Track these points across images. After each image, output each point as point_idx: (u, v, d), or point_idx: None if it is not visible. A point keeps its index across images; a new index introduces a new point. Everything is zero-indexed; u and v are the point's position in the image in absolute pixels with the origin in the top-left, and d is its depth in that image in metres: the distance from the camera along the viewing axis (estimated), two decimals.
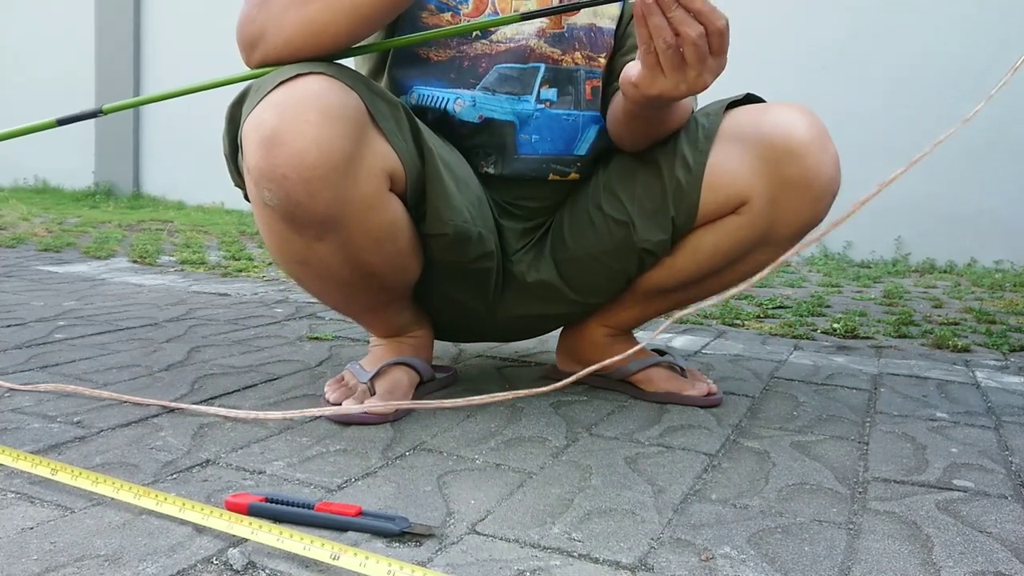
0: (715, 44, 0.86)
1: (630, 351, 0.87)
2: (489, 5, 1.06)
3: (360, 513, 0.71)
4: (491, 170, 1.10)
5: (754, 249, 1.09)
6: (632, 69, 0.91)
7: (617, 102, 1.05)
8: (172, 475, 0.82)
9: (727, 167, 1.05)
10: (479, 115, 1.07)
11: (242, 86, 0.94)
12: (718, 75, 0.90)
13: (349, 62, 1.02)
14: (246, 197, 0.97)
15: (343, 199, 0.89)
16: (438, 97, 1.07)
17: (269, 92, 0.85)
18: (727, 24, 0.85)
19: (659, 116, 1.01)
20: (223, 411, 1.01)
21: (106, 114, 0.95)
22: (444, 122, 1.08)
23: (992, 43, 3.62)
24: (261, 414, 0.98)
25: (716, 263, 1.10)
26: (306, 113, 0.83)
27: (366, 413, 1.01)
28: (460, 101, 1.06)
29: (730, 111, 1.08)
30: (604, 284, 1.15)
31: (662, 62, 0.87)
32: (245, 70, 0.95)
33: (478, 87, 1.07)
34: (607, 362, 0.83)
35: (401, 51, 1.07)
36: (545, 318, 1.22)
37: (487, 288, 1.12)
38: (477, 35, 1.06)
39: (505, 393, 0.82)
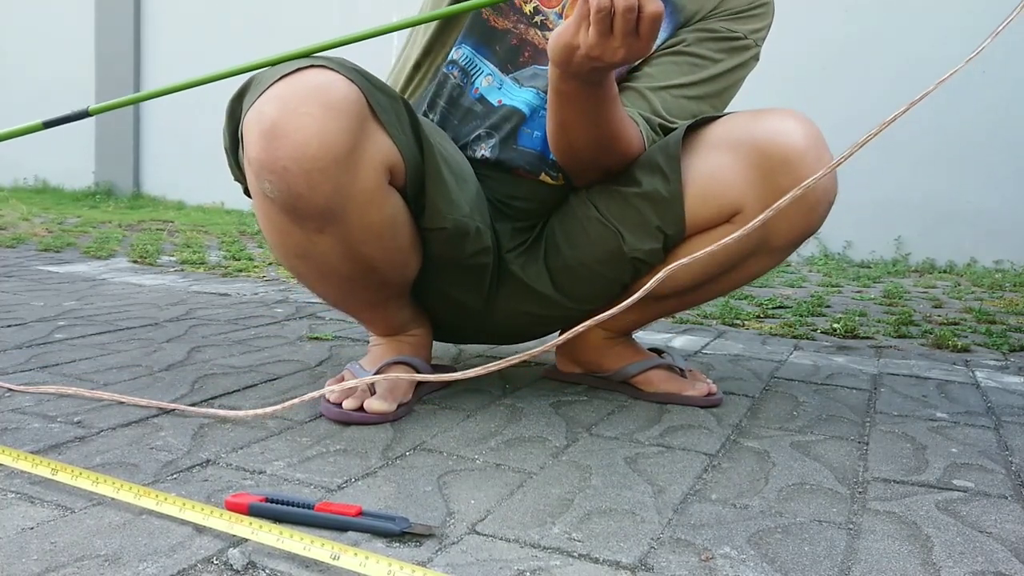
0: (643, 27, 0.86)
1: (600, 320, 0.86)
2: None
3: (360, 513, 0.71)
4: (487, 153, 1.11)
5: (749, 257, 1.09)
6: (564, 23, 0.91)
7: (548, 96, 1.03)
8: (172, 475, 0.82)
9: (720, 176, 1.03)
10: (499, 99, 1.10)
11: (240, 81, 0.94)
12: (636, 59, 0.90)
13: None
14: (246, 192, 0.97)
15: (343, 192, 0.89)
16: (475, 64, 1.09)
17: (270, 85, 0.85)
18: (660, 13, 0.85)
19: (585, 100, 0.97)
20: (221, 412, 1.01)
21: (92, 115, 0.95)
22: (461, 93, 1.10)
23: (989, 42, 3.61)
24: (260, 411, 0.98)
25: (711, 272, 1.10)
26: (307, 106, 0.84)
27: (364, 412, 1.01)
28: (489, 78, 1.08)
29: (725, 116, 1.07)
30: (599, 292, 1.14)
31: (591, 20, 0.86)
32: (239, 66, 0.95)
33: (510, 75, 1.10)
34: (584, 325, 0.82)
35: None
36: (542, 319, 1.22)
37: (483, 284, 1.12)
38: (536, 22, 1.08)
39: (501, 362, 0.82)
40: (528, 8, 1.08)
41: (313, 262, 0.98)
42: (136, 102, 0.96)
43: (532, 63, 1.10)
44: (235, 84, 0.95)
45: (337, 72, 0.87)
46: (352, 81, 0.88)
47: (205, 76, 0.94)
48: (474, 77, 1.11)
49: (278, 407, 0.95)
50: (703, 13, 1.13)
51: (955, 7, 3.68)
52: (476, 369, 0.84)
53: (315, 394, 0.93)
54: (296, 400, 0.95)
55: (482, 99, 1.11)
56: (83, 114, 0.95)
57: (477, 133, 1.11)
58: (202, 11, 5.66)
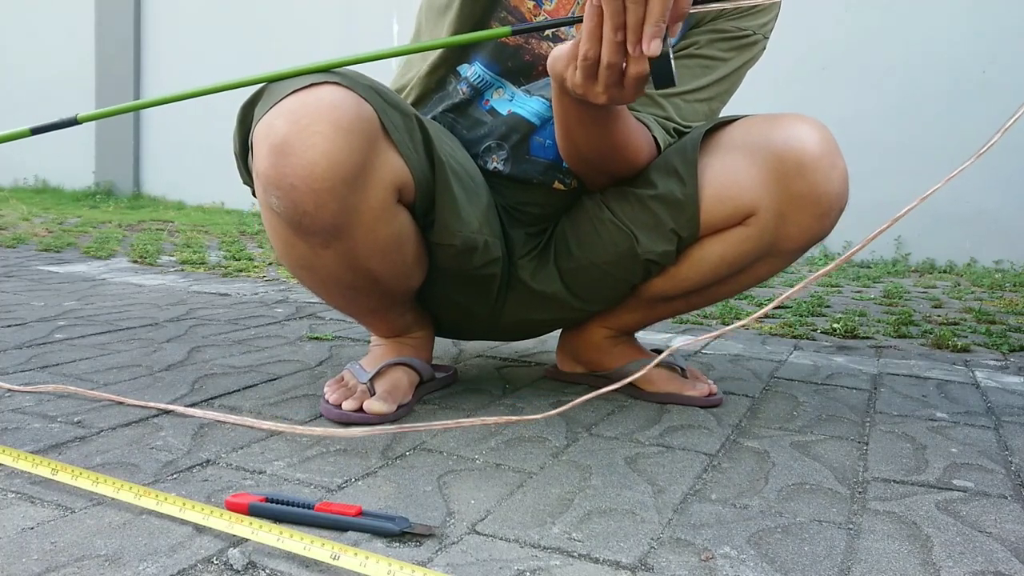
0: (627, 83, 0.86)
1: (651, 364, 0.86)
2: (575, 6, 1.06)
3: (360, 513, 0.71)
4: (500, 166, 1.11)
5: (759, 260, 1.09)
6: (564, 45, 0.90)
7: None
8: (172, 475, 0.82)
9: (735, 179, 1.03)
10: (508, 109, 1.09)
11: (241, 91, 0.94)
12: (620, 104, 0.90)
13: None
14: (255, 195, 0.97)
15: (351, 210, 0.89)
16: (486, 81, 1.09)
17: (282, 99, 0.85)
18: (644, 74, 0.85)
19: (586, 111, 0.97)
20: (218, 415, 1.01)
21: (81, 123, 0.94)
22: (471, 103, 1.10)
23: (990, 41, 3.62)
24: (265, 423, 0.98)
25: (721, 273, 1.10)
26: (318, 124, 0.83)
27: (363, 413, 1.01)
28: (501, 91, 1.08)
29: (740, 119, 1.07)
30: (608, 293, 1.15)
31: (578, 65, 0.86)
32: (240, 76, 0.94)
33: (522, 87, 1.09)
34: (636, 375, 0.82)
35: (488, 17, 1.07)
36: (547, 322, 1.22)
37: (490, 293, 1.12)
38: (547, 35, 1.08)
39: (499, 418, 0.82)
40: (538, 21, 1.08)
41: (317, 273, 0.98)
42: (126, 111, 0.95)
43: (545, 75, 1.09)
44: (232, 91, 0.94)
45: (350, 90, 0.86)
46: (365, 99, 0.87)
47: (198, 89, 0.93)
48: (484, 91, 1.10)
49: (282, 426, 0.95)
50: (713, 13, 1.13)
51: (956, 5, 3.68)
52: (472, 420, 0.83)
53: (358, 432, 0.92)
54: (338, 432, 0.95)
55: (492, 110, 1.10)
56: (71, 122, 0.94)
57: (487, 144, 1.10)
58: (202, 11, 5.66)
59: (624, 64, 0.84)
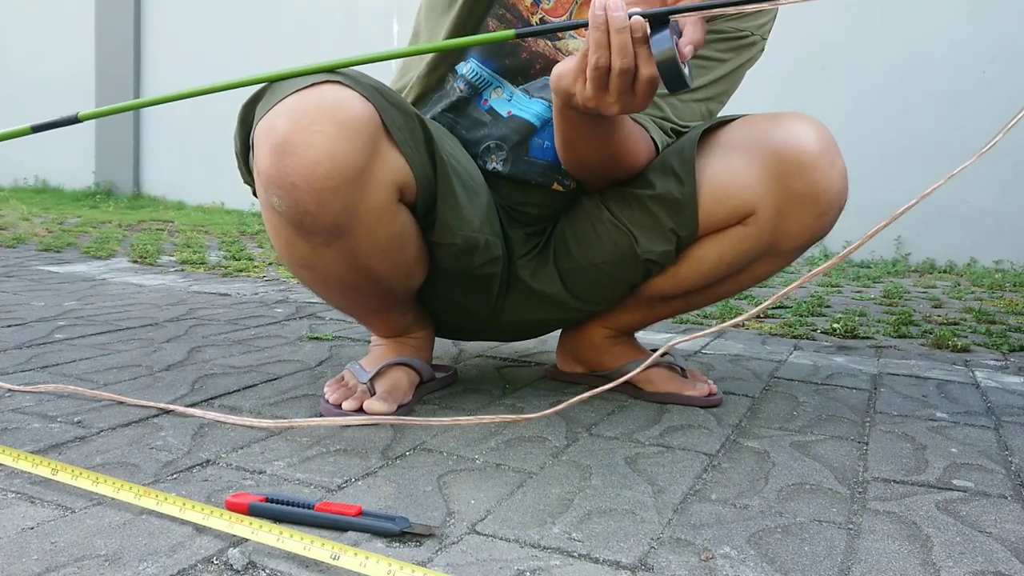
0: (639, 87, 0.86)
1: (652, 358, 0.86)
2: (574, 5, 1.06)
3: (360, 513, 0.71)
4: (499, 167, 1.10)
5: (758, 259, 1.09)
6: (568, 61, 0.91)
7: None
8: (172, 475, 0.83)
9: (734, 178, 1.03)
10: (508, 111, 1.09)
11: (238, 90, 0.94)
12: (631, 112, 0.90)
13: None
14: (255, 194, 0.97)
15: (352, 210, 0.89)
16: (483, 78, 1.09)
17: (284, 98, 0.85)
18: (656, 77, 0.85)
19: (589, 125, 0.97)
20: (218, 415, 1.01)
21: (82, 121, 0.94)
22: (469, 103, 1.10)
23: (990, 41, 3.62)
24: (265, 422, 0.98)
25: (720, 272, 1.10)
26: (320, 123, 0.83)
27: (363, 413, 1.01)
28: (499, 90, 1.08)
29: (739, 119, 1.07)
30: (608, 293, 1.15)
31: (587, 76, 0.86)
32: (240, 76, 0.94)
33: (520, 87, 1.09)
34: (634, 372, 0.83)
35: (487, 15, 1.07)
36: (547, 322, 1.22)
37: (490, 293, 1.12)
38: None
39: (497, 416, 0.82)
40: (535, 20, 1.08)
41: (318, 272, 0.98)
42: (127, 110, 0.95)
43: (543, 74, 1.09)
44: (231, 92, 0.94)
45: (352, 89, 0.86)
46: (367, 99, 0.87)
47: (199, 88, 0.93)
48: (483, 90, 1.10)
49: (283, 423, 0.95)
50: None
51: (956, 5, 3.68)
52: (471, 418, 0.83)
53: (358, 420, 0.93)
54: (296, 422, 0.95)
55: (491, 111, 1.10)
56: (72, 120, 0.94)
57: (487, 144, 1.10)
58: (202, 11, 5.66)
59: (635, 69, 0.84)
